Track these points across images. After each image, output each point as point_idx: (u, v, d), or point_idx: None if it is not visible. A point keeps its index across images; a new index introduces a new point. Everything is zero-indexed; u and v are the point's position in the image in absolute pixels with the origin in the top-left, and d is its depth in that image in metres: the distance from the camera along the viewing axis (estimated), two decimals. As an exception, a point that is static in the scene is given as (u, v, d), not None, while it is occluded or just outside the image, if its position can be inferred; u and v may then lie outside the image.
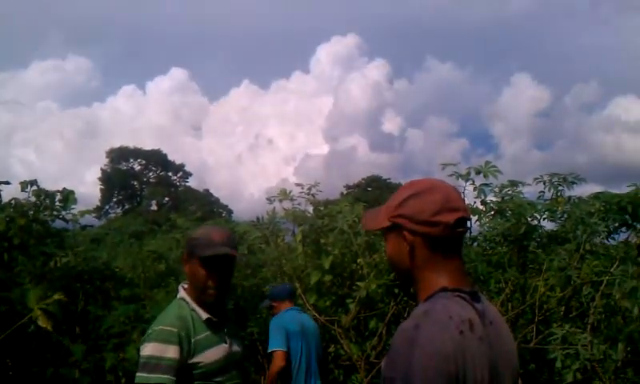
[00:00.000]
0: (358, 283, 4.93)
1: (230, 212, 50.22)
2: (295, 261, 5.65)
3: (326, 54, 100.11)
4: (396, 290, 5.00)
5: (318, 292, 5.22)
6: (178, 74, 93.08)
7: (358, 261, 5.13)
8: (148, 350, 2.34)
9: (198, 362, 2.41)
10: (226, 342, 2.56)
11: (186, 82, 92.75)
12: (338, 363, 5.36)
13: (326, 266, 5.06)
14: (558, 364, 4.05)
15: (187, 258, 2.56)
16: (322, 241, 5.49)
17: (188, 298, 2.54)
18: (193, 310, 2.50)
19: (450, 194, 1.71)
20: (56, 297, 3.21)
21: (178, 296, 2.59)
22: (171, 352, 2.32)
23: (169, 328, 2.37)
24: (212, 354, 2.46)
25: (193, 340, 2.41)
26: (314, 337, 4.46)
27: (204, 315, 2.50)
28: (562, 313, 4.85)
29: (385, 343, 4.97)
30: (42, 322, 3.16)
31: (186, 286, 2.62)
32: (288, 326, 4.35)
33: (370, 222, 1.77)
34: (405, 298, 4.97)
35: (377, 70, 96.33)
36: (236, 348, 2.62)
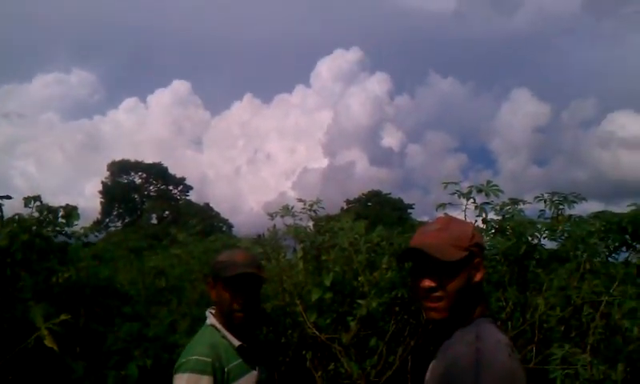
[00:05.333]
0: (359, 301, 4.94)
1: (230, 226, 50.41)
2: (296, 278, 5.65)
3: (327, 68, 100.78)
4: (396, 309, 5.01)
5: (319, 309, 5.21)
6: (179, 86, 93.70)
7: (359, 278, 5.13)
8: (183, 380, 2.37)
9: None
10: (255, 369, 2.58)
11: (187, 95, 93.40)
12: (338, 382, 5.35)
13: (327, 283, 5.06)
14: (559, 384, 4.05)
15: (212, 283, 2.59)
16: (323, 257, 5.49)
17: (218, 325, 2.56)
18: (224, 337, 2.52)
19: None
20: (62, 317, 3.23)
21: (207, 322, 2.62)
22: (205, 382, 2.34)
23: (203, 358, 2.40)
24: (244, 383, 2.48)
25: (226, 369, 2.44)
26: None
27: (236, 343, 2.53)
28: (561, 332, 4.85)
29: (385, 361, 4.96)
30: (49, 343, 3.18)
31: (213, 311, 2.64)
32: None
33: (446, 255, 1.83)
34: (405, 317, 4.97)
35: (378, 84, 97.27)
36: (263, 374, 2.64)
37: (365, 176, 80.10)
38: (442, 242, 1.83)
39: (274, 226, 5.81)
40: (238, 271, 2.53)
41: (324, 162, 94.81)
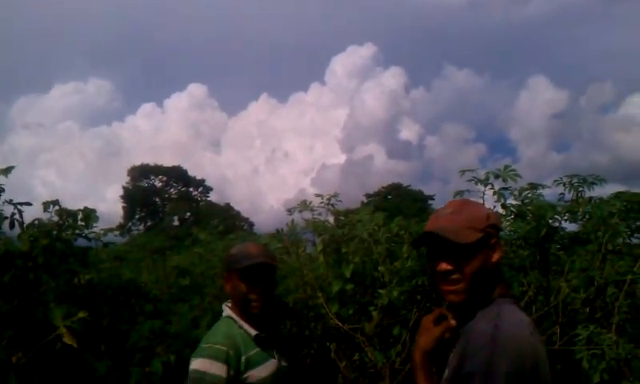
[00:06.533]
0: (380, 291, 4.93)
1: (252, 224, 50.61)
2: (317, 270, 5.66)
3: (342, 65, 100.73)
4: (418, 297, 4.99)
5: (340, 301, 5.21)
6: (195, 89, 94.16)
7: (379, 268, 5.13)
8: (194, 364, 2.44)
9: (249, 380, 2.47)
10: (274, 357, 2.59)
11: (204, 98, 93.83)
12: (364, 371, 5.35)
13: (347, 274, 5.06)
14: (585, 364, 4.02)
15: (227, 276, 2.62)
16: (343, 250, 5.50)
17: (235, 316, 2.59)
18: (241, 327, 2.55)
19: None
20: (80, 315, 3.26)
21: (224, 314, 2.65)
22: (215, 369, 2.38)
23: (217, 346, 2.44)
24: (262, 371, 2.52)
25: (243, 357, 2.46)
26: None
27: (253, 332, 2.56)
28: (586, 314, 4.81)
29: (409, 349, 4.95)
30: (68, 340, 3.21)
31: (230, 304, 2.66)
32: None
33: (462, 237, 1.81)
34: (427, 304, 4.96)
35: (393, 78, 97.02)
36: (284, 363, 2.66)
37: (383, 169, 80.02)
38: (456, 225, 1.82)
39: (292, 220, 5.82)
40: (253, 261, 2.56)
41: (342, 158, 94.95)
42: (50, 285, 4.37)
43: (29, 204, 4.48)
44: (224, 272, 2.67)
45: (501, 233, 2.07)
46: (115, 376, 3.79)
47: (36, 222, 4.49)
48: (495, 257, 1.82)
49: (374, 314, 5.03)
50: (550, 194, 5.10)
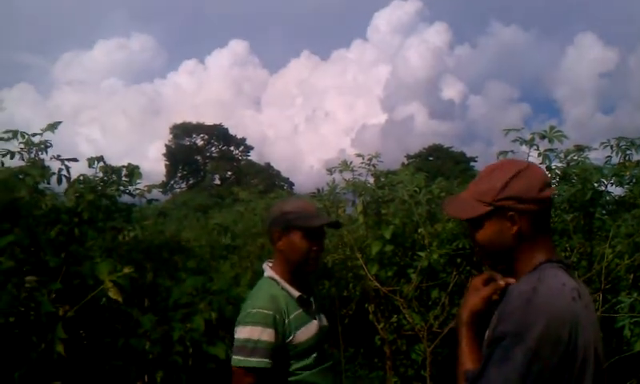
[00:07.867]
0: (420, 253, 4.91)
1: (292, 185, 50.68)
2: (356, 232, 5.66)
3: (385, 21, 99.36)
4: (458, 260, 4.97)
5: (380, 262, 5.21)
6: (237, 46, 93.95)
7: (419, 231, 5.10)
8: (245, 333, 2.38)
9: (294, 341, 2.44)
10: (316, 318, 2.58)
11: (245, 55, 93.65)
12: (401, 333, 5.37)
13: (387, 236, 5.05)
14: (626, 332, 3.96)
15: (282, 233, 2.55)
16: (383, 211, 5.48)
17: (277, 277, 2.55)
18: (283, 288, 2.52)
19: (543, 171, 1.84)
20: (126, 270, 3.31)
21: (265, 274, 2.60)
22: (267, 335, 2.35)
23: (264, 311, 2.39)
24: (306, 332, 2.49)
25: (287, 320, 2.43)
26: None
27: (295, 293, 2.52)
28: (630, 281, 4.72)
29: (448, 313, 4.94)
30: (113, 294, 3.27)
31: (271, 263, 2.63)
32: None
33: (463, 212, 1.79)
34: (467, 268, 4.93)
35: (437, 34, 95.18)
36: (324, 322, 2.65)
37: (425, 130, 78.79)
38: (467, 197, 1.79)
39: (333, 180, 5.81)
40: (327, 221, 2.61)
41: (382, 118, 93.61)
42: (95, 240, 4.45)
43: (75, 160, 4.56)
44: (277, 228, 2.60)
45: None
46: (158, 331, 3.86)
47: (81, 177, 4.55)
48: (514, 229, 1.76)
49: (413, 276, 5.02)
50: (596, 156, 4.98)
